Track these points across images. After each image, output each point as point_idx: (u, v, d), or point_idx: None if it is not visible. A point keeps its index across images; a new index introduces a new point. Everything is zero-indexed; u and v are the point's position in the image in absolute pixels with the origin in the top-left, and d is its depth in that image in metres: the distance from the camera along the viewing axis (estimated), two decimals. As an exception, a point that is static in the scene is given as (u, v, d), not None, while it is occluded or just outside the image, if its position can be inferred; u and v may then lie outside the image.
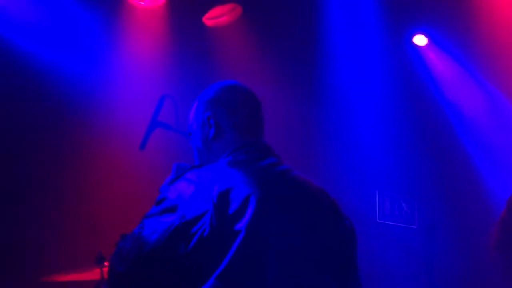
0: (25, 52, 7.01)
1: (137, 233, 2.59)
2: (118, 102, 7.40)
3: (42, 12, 7.06)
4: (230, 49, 8.16)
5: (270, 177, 2.78)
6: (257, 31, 8.14)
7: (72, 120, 7.24)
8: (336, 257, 2.84)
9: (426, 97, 8.37)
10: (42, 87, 7.09)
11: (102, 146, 7.33)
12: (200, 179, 2.67)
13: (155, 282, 2.54)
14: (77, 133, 7.27)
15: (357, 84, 8.28)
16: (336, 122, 8.28)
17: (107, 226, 7.08)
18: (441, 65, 8.32)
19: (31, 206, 6.94)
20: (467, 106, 8.31)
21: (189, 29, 7.92)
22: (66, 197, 7.15)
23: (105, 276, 5.26)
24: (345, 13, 8.09)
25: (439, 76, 8.36)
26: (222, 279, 2.47)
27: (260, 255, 2.54)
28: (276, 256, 2.57)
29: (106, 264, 5.27)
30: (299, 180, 2.89)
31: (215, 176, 2.68)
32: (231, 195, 2.58)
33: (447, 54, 8.26)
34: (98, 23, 7.34)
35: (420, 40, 8.25)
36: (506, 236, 6.46)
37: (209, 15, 8.08)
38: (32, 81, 7.03)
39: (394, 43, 8.27)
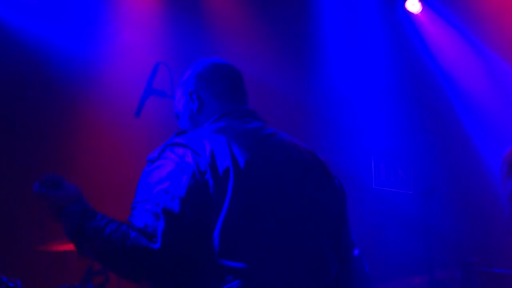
0: (14, 25, 6.98)
1: (156, 209, 2.63)
2: (113, 70, 7.38)
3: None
4: (224, 16, 8.13)
5: (255, 140, 2.87)
6: (252, 1, 8.12)
7: (66, 88, 7.22)
8: (327, 214, 2.94)
9: (421, 63, 8.36)
10: (34, 57, 7.06)
11: (97, 114, 7.32)
12: (190, 143, 2.74)
13: (193, 243, 2.62)
14: (71, 101, 7.26)
15: (352, 52, 8.27)
16: (330, 90, 8.26)
17: (103, 194, 7.08)
18: (435, 30, 8.30)
19: (26, 176, 6.93)
20: (461, 71, 8.29)
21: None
22: (61, 166, 7.12)
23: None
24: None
25: (433, 42, 8.34)
26: (221, 236, 2.61)
27: (250, 216, 2.66)
28: (265, 217, 2.70)
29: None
30: (285, 142, 2.97)
31: (203, 139, 2.77)
32: (219, 156, 2.70)
33: (441, 18, 8.22)
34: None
35: (413, 5, 8.20)
36: None
37: (203, -16, 8.05)
38: (22, 51, 7.01)
39: (388, 9, 8.24)
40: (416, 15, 8.29)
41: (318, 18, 8.20)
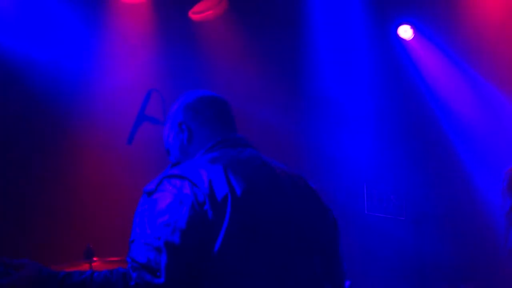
0: (11, 49, 6.98)
1: (162, 241, 2.62)
2: (105, 97, 7.39)
3: (26, 8, 7.03)
4: (216, 43, 8.15)
5: (251, 168, 2.87)
6: (243, 25, 8.14)
7: (60, 116, 7.22)
8: (321, 243, 2.95)
9: (412, 88, 8.38)
10: (28, 83, 7.05)
11: (90, 141, 7.33)
12: (188, 173, 2.74)
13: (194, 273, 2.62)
14: (65, 128, 7.26)
15: (343, 76, 8.28)
16: (323, 115, 8.28)
17: (96, 220, 7.08)
18: (426, 56, 8.33)
19: (16, 200, 6.93)
20: (453, 97, 8.32)
21: (176, 23, 7.91)
22: (54, 191, 7.15)
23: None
24: (330, 5, 8.10)
25: (424, 67, 8.37)
26: (217, 266, 2.60)
27: (246, 245, 2.67)
28: (261, 246, 2.70)
29: (94, 258, 5.26)
30: (280, 171, 2.99)
31: (199, 169, 2.77)
32: (216, 186, 2.69)
33: (433, 45, 8.27)
34: (83, 18, 7.32)
35: (405, 31, 8.25)
36: None
37: (195, 10, 8.06)
38: (17, 77, 7.00)
39: (379, 35, 8.27)
40: (408, 41, 8.32)
41: (311, 44, 8.23)
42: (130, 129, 4.75)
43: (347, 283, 4.48)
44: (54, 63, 7.18)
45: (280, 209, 2.83)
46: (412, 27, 8.25)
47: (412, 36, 8.28)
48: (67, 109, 7.25)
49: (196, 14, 8.10)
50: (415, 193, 8.17)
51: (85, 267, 5.31)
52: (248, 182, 2.75)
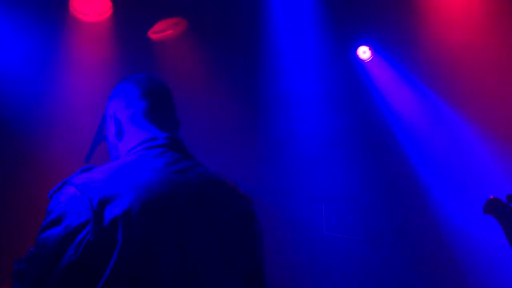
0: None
1: (30, 253, 2.49)
2: (63, 116, 7.35)
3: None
4: (176, 62, 8.15)
5: (162, 176, 2.61)
6: (202, 44, 8.15)
7: (17, 136, 7.17)
8: (240, 258, 2.70)
9: (371, 108, 8.44)
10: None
11: (48, 158, 7.27)
12: (85, 184, 2.49)
13: None
14: (22, 148, 7.20)
15: (302, 96, 8.32)
16: (281, 134, 8.30)
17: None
18: (384, 77, 8.42)
19: None
20: (410, 116, 8.40)
21: (135, 43, 7.89)
22: (12, 205, 7.09)
23: None
24: (289, 25, 8.14)
25: (382, 88, 8.45)
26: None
27: (140, 263, 2.42)
28: (160, 261, 2.45)
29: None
30: (203, 177, 2.73)
31: (99, 180, 2.51)
32: (111, 202, 2.43)
33: (391, 66, 8.35)
34: (42, 36, 7.27)
35: (364, 52, 8.32)
36: None
37: (154, 29, 8.06)
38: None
39: (339, 55, 8.33)
40: (367, 62, 8.39)
41: (270, 63, 8.26)
42: (88, 148, 4.72)
43: None
44: (13, 81, 7.13)
45: (191, 223, 2.56)
46: (370, 49, 8.32)
47: (371, 57, 8.36)
48: (25, 126, 7.20)
49: (155, 33, 8.10)
50: (372, 213, 8.21)
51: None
52: (152, 195, 2.50)
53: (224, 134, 8.01)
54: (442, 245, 7.85)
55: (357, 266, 7.97)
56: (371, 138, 8.47)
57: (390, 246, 7.96)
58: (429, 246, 8.06)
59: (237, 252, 2.67)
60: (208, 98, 7.99)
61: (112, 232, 2.38)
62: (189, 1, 7.76)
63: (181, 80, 7.98)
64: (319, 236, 8.18)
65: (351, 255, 8.10)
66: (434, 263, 7.96)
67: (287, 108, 8.31)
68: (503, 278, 7.34)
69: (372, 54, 8.35)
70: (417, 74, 8.27)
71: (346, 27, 8.17)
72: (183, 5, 7.79)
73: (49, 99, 7.36)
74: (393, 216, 8.24)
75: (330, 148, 8.38)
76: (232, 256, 2.65)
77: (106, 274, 2.35)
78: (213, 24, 8.06)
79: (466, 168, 7.99)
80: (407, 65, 8.29)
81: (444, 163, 8.17)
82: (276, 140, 8.29)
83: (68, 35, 7.57)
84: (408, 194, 8.32)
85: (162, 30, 8.13)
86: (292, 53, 8.24)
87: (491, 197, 5.57)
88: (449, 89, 8.08)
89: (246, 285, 2.69)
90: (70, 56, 7.56)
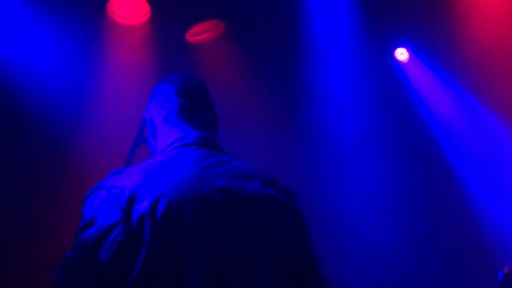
0: (6, 69, 7.00)
1: (66, 258, 2.51)
2: (102, 120, 7.39)
3: (25, 30, 7.05)
4: (213, 65, 8.16)
5: (192, 173, 2.61)
6: (240, 47, 8.16)
7: (58, 139, 7.22)
8: (280, 259, 2.63)
9: (409, 111, 8.40)
10: (25, 106, 7.06)
11: (88, 162, 7.30)
12: (115, 186, 2.55)
13: None
14: (63, 152, 7.24)
15: (340, 97, 8.30)
16: (320, 137, 8.28)
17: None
18: (422, 79, 8.37)
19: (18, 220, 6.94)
20: (449, 119, 8.34)
21: (172, 46, 7.92)
22: (49, 208, 7.14)
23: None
24: (327, 28, 8.12)
25: (421, 90, 8.40)
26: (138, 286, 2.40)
27: (167, 260, 2.44)
28: (192, 267, 2.46)
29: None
30: (235, 171, 2.71)
31: (129, 181, 2.56)
32: (139, 200, 2.48)
33: (429, 68, 8.30)
34: (80, 41, 7.32)
35: (401, 54, 8.28)
36: None
37: (192, 32, 8.08)
38: (14, 101, 7.01)
39: (376, 57, 8.30)
40: (404, 63, 8.35)
41: (308, 66, 8.25)
42: (128, 152, 4.75)
43: None
44: (51, 84, 7.18)
45: (223, 219, 2.54)
46: (408, 50, 8.28)
47: (408, 59, 8.32)
48: (66, 132, 7.24)
49: (193, 36, 8.12)
50: (413, 214, 8.16)
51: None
52: (181, 193, 2.52)
53: (262, 135, 8.00)
54: (484, 246, 7.78)
55: (398, 269, 7.93)
56: (409, 138, 8.42)
57: (431, 248, 7.91)
58: (471, 247, 8.00)
59: (272, 247, 2.62)
60: (245, 100, 8.00)
61: (139, 230, 2.43)
62: (226, 3, 7.78)
63: (218, 82, 8.00)
64: (357, 237, 8.15)
65: (392, 257, 8.05)
66: (476, 265, 7.90)
67: (325, 110, 8.29)
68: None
69: (410, 55, 8.30)
70: (454, 75, 8.21)
71: (383, 28, 8.14)
72: (220, 7, 7.82)
73: (86, 103, 7.40)
74: (434, 217, 8.18)
75: (368, 147, 8.35)
76: (266, 252, 2.60)
77: (135, 272, 2.39)
78: (250, 26, 8.07)
79: (506, 169, 7.92)
80: (444, 66, 8.23)
81: (483, 165, 8.10)
82: (313, 139, 8.28)
83: (106, 39, 7.62)
84: (447, 194, 8.26)
85: (200, 33, 8.15)
86: (330, 55, 8.22)
87: (506, 270, 5.52)
88: (487, 90, 8.01)
89: (290, 282, 2.64)
90: (107, 59, 7.61)
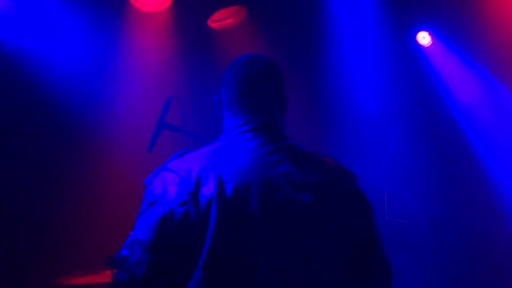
0: (29, 57, 7.03)
1: (130, 238, 2.56)
2: (125, 106, 7.43)
3: (45, 18, 7.08)
4: (236, 50, 8.16)
5: (252, 159, 2.65)
6: (262, 32, 8.15)
7: (80, 125, 7.26)
8: (340, 243, 2.65)
9: (432, 95, 8.36)
10: (48, 93, 7.11)
11: (111, 148, 7.35)
12: (181, 168, 2.61)
13: (160, 279, 2.48)
14: (84, 135, 7.29)
15: (362, 83, 8.29)
16: (341, 123, 8.28)
17: (117, 228, 7.10)
18: (445, 63, 8.31)
19: (40, 209, 6.98)
20: (472, 103, 8.28)
21: (194, 32, 7.94)
22: (75, 199, 7.19)
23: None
24: (348, 12, 8.10)
25: (443, 74, 8.36)
26: (205, 270, 2.45)
27: (234, 245, 2.49)
28: (257, 250, 2.49)
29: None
30: (289, 158, 2.72)
31: (194, 163, 2.61)
32: (205, 184, 2.53)
33: (452, 52, 8.25)
34: (102, 28, 7.35)
35: (423, 38, 8.25)
36: None
37: (214, 18, 8.09)
38: (36, 88, 7.05)
39: (398, 41, 8.26)
40: (426, 47, 8.31)
41: (330, 52, 8.23)
42: (151, 137, 4.79)
43: None
44: (73, 71, 7.22)
45: (285, 204, 2.56)
46: (430, 34, 8.25)
47: (431, 43, 8.28)
48: (88, 118, 7.28)
49: (215, 22, 8.14)
50: (435, 198, 8.15)
51: (106, 274, 5.35)
52: (243, 178, 2.56)
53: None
54: (507, 231, 7.76)
55: (421, 253, 7.93)
56: (434, 124, 8.39)
57: (454, 232, 7.90)
58: (493, 233, 7.98)
59: (336, 227, 2.65)
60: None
61: (206, 213, 2.47)
62: (247, -12, 7.80)
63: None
64: (380, 221, 8.15)
65: (415, 241, 8.05)
66: (500, 251, 7.88)
67: (347, 94, 8.28)
68: None
69: (432, 39, 8.27)
70: (479, 60, 8.16)
71: (405, 12, 8.11)
72: (242, -7, 7.84)
73: (109, 90, 7.44)
74: (457, 201, 8.17)
75: (391, 131, 8.33)
76: (330, 231, 2.64)
77: (204, 255, 2.44)
78: (273, 11, 8.07)
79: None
80: (468, 49, 8.18)
81: (507, 150, 8.05)
82: (335, 128, 8.27)
83: (128, 26, 7.64)
84: (470, 178, 8.24)
85: (222, 19, 8.16)
86: (351, 39, 8.20)
87: None
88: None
89: (351, 260, 2.68)
90: (130, 46, 7.63)
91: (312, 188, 2.65)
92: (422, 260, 7.90)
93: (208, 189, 2.52)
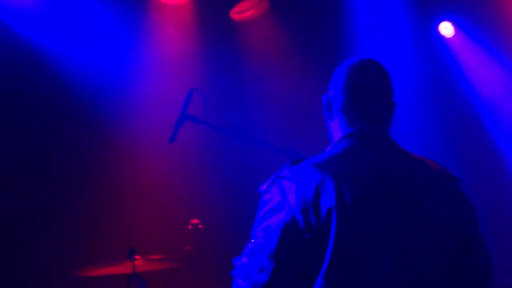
0: (52, 52, 7.08)
1: (250, 247, 2.61)
2: (148, 98, 7.44)
3: (69, 11, 7.11)
4: (257, 43, 8.16)
5: (372, 168, 2.69)
6: (284, 24, 8.14)
7: (103, 118, 7.29)
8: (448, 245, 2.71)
9: (454, 87, 8.31)
10: (72, 86, 7.15)
11: (133, 139, 7.38)
12: (298, 177, 2.62)
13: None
14: (107, 127, 7.32)
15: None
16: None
17: (138, 219, 7.15)
18: (468, 54, 8.23)
19: (62, 201, 7.02)
20: (496, 96, 8.19)
21: (217, 23, 7.94)
22: (96, 191, 7.23)
23: (137, 269, 5.32)
24: (371, 2, 8.06)
25: (466, 66, 8.27)
26: (327, 279, 2.51)
27: (355, 253, 2.54)
28: (376, 260, 2.56)
29: (137, 257, 5.33)
30: (403, 168, 2.77)
31: (311, 172, 2.63)
32: (325, 193, 2.57)
33: (475, 42, 8.17)
34: (125, 20, 7.37)
35: (446, 28, 8.18)
36: None
37: (236, 10, 8.08)
38: (60, 79, 7.10)
39: (421, 32, 8.20)
40: (449, 38, 8.24)
41: (352, 42, 8.18)
42: (173, 128, 4.81)
43: None
44: (96, 65, 7.25)
45: (404, 216, 2.63)
46: (453, 24, 8.18)
47: (453, 33, 8.22)
48: (110, 109, 7.31)
49: (237, 14, 8.12)
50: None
51: (128, 265, 5.38)
52: (363, 188, 2.61)
53: (306, 112, 7.97)
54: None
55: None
56: (456, 117, 8.33)
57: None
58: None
59: (448, 227, 2.71)
60: (289, 77, 7.98)
61: (327, 222, 2.52)
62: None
63: (261, 60, 8.01)
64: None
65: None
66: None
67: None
68: None
69: (455, 30, 8.19)
70: (502, 50, 8.08)
71: (427, 2, 8.06)
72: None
73: (132, 82, 7.46)
74: (482, 196, 8.10)
75: (414, 127, 8.27)
76: (436, 237, 2.68)
77: (325, 264, 2.50)
78: (295, 4, 8.06)
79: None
80: (491, 40, 8.10)
81: None
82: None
83: (150, 18, 7.66)
84: (495, 175, 8.18)
85: (244, 10, 8.14)
86: (373, 30, 8.15)
87: None
88: None
89: (455, 264, 2.72)
90: (152, 39, 7.65)
91: (426, 193, 2.71)
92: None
93: (328, 198, 2.55)
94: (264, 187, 2.71)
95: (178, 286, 6.73)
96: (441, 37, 8.25)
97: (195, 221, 6.24)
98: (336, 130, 2.87)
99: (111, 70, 7.35)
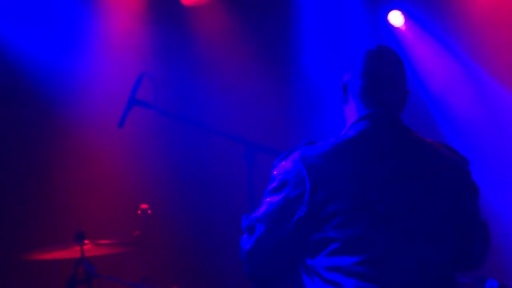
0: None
1: (256, 212, 2.87)
2: (96, 82, 7.40)
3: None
4: (208, 28, 8.15)
5: (377, 152, 2.83)
6: (235, 10, 8.13)
7: (48, 100, 7.23)
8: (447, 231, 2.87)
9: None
10: (18, 73, 7.10)
11: (81, 124, 7.33)
12: (308, 158, 2.78)
13: (273, 257, 2.86)
14: (55, 110, 7.27)
15: (331, 62, 8.21)
16: (309, 100, 8.22)
17: (86, 203, 7.12)
18: (418, 44, 8.22)
19: (11, 185, 6.96)
20: (446, 88, 8.14)
21: (167, 8, 7.91)
22: (45, 174, 7.18)
23: (85, 254, 5.30)
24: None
25: (416, 56, 8.25)
26: (331, 255, 2.71)
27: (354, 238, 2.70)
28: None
29: (86, 242, 5.31)
30: (413, 154, 2.91)
31: (321, 156, 2.79)
32: (328, 178, 2.73)
33: (425, 32, 8.17)
34: (72, 5, 7.32)
35: (396, 17, 8.17)
36: None
37: (185, -6, 8.05)
38: (5, 66, 7.05)
39: (369, 21, 8.17)
40: (399, 28, 8.25)
41: (301, 31, 8.20)
42: (121, 113, 4.79)
43: None
44: (43, 51, 7.20)
45: (403, 194, 2.79)
46: (403, 13, 8.19)
47: (403, 23, 8.23)
48: (58, 95, 7.26)
49: (187, -2, 8.09)
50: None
51: (76, 250, 5.36)
52: (366, 177, 2.76)
53: (254, 101, 7.97)
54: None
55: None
56: (404, 110, 8.32)
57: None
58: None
59: (450, 209, 2.87)
60: (238, 65, 7.99)
61: (325, 206, 2.72)
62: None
63: (212, 45, 8.01)
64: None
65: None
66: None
67: (315, 74, 8.22)
68: None
69: (405, 19, 8.19)
70: (455, 41, 8.06)
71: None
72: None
73: (79, 67, 7.40)
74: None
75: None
76: (447, 215, 2.85)
77: (332, 241, 2.71)
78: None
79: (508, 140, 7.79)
80: (441, 30, 8.10)
81: (485, 141, 7.87)
82: (306, 102, 8.23)
83: (98, 2, 7.60)
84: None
85: (194, -5, 8.11)
86: (321, 18, 8.14)
87: None
88: (492, 58, 7.85)
89: (456, 233, 2.89)
90: (101, 23, 7.58)
91: (437, 173, 2.90)
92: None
93: (329, 184, 2.72)
94: (277, 160, 2.92)
95: (127, 271, 6.71)
96: (390, 27, 8.26)
97: (144, 206, 6.22)
98: (352, 113, 2.99)
99: (58, 57, 7.28)
